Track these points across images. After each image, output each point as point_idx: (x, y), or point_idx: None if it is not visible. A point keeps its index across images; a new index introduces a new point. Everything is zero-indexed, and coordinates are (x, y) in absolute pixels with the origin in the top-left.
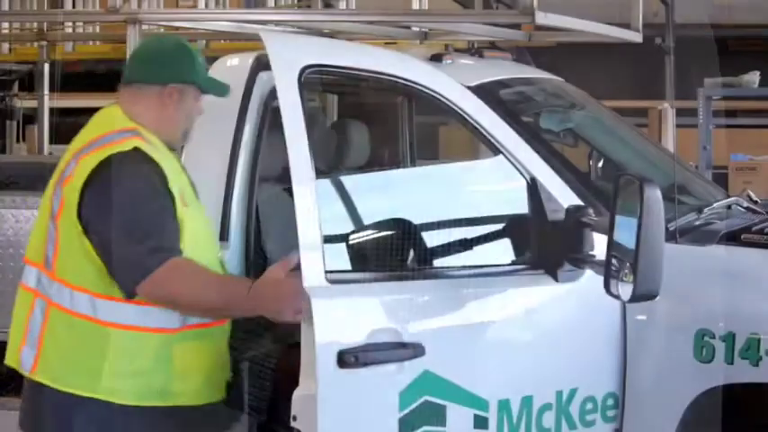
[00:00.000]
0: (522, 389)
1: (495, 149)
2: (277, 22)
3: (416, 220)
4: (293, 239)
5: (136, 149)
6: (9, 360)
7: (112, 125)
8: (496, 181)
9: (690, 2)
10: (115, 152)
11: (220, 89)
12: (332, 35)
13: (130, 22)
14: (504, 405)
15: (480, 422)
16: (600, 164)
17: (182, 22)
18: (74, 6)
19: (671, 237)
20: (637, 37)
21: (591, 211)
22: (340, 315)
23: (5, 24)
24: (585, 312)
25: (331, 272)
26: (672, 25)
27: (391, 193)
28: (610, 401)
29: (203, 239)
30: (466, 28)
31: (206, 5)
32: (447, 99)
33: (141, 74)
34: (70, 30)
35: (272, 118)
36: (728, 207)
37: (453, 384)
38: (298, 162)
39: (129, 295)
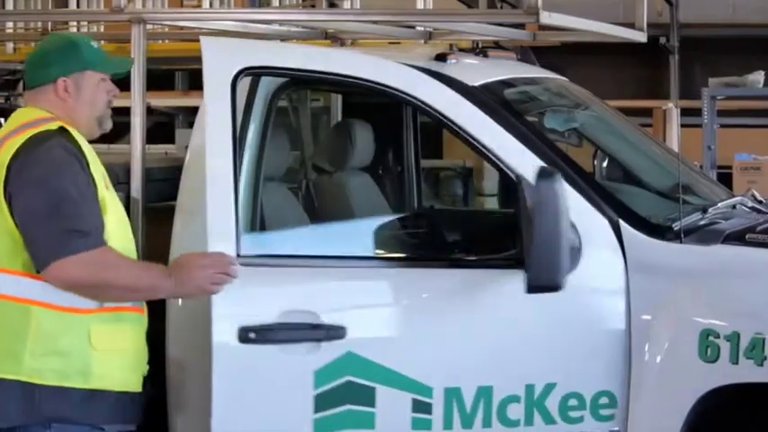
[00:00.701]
0: (479, 379)
1: (460, 137)
2: (281, 22)
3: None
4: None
5: (61, 128)
6: None
7: (34, 116)
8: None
9: (695, 1)
10: (42, 130)
11: (117, 66)
12: (335, 35)
13: (135, 21)
14: (453, 393)
15: (422, 407)
16: (605, 164)
17: (186, 22)
18: (78, 6)
19: (675, 236)
20: (641, 37)
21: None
22: (248, 294)
23: (10, 24)
24: (571, 310)
25: (247, 256)
26: (676, 25)
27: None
28: (603, 400)
29: (124, 223)
30: (470, 27)
31: (210, 5)
32: (401, 93)
33: (35, 78)
34: (75, 29)
35: (276, 117)
36: (733, 207)
37: (384, 367)
38: (214, 159)
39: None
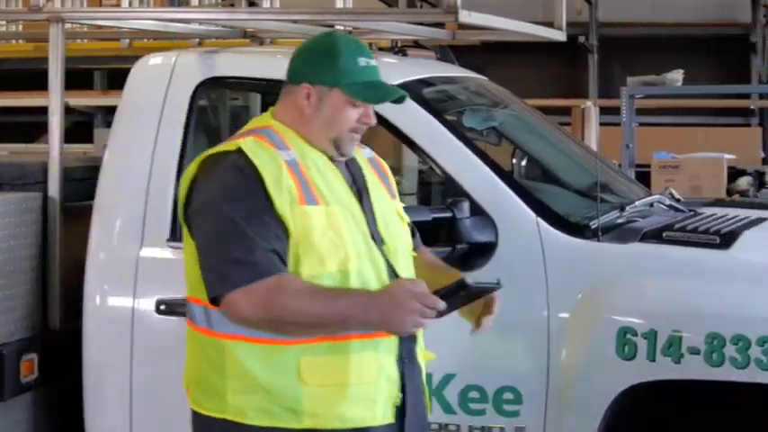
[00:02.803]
0: None
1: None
2: (201, 21)
3: None
4: None
5: (239, 150)
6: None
7: (251, 125)
8: None
9: (614, 0)
10: (217, 151)
11: (371, 95)
12: (255, 34)
13: (53, 20)
14: None
15: None
16: (523, 162)
17: (105, 21)
18: None
19: (593, 234)
20: (560, 36)
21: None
22: (168, 272)
23: None
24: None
25: (175, 239)
26: (595, 24)
27: None
28: (507, 395)
29: (349, 234)
30: (389, 26)
31: (130, 4)
32: None
33: (288, 72)
34: None
35: (197, 116)
36: (651, 205)
37: None
38: (161, 160)
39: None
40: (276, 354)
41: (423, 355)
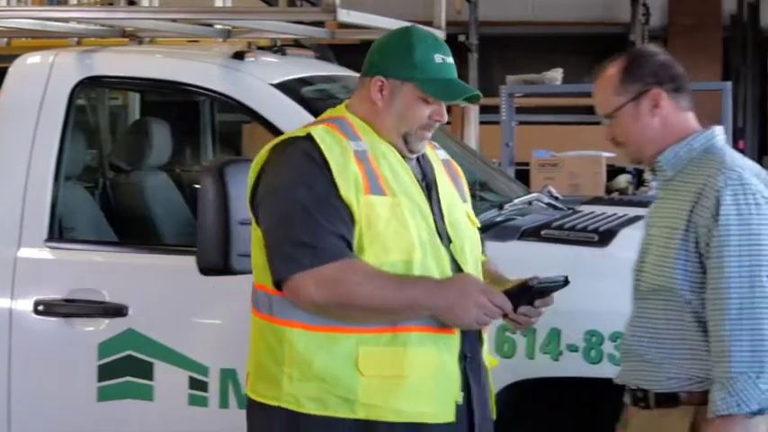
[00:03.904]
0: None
1: None
2: (79, 20)
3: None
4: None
5: (308, 136)
6: None
7: (324, 115)
8: None
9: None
10: (288, 137)
11: (443, 92)
12: (134, 33)
13: None
14: (229, 374)
15: (198, 385)
16: None
17: None
18: None
19: None
20: (440, 34)
21: None
22: (46, 272)
23: None
24: None
25: (53, 239)
26: (475, 23)
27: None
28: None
29: (414, 226)
30: (269, 25)
31: (8, 2)
32: (235, 100)
33: (364, 65)
34: None
35: (76, 116)
36: (530, 203)
37: (161, 345)
38: (39, 160)
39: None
40: (335, 343)
41: (488, 359)
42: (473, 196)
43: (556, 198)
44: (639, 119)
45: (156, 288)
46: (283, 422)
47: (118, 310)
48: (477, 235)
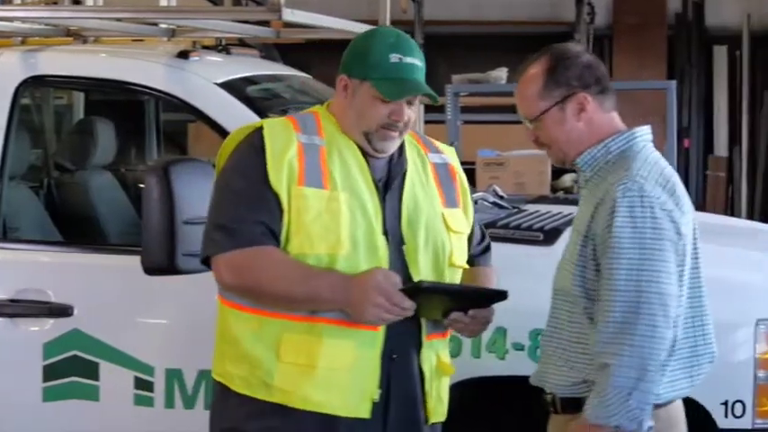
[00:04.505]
0: (199, 363)
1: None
2: (23, 19)
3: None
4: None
5: (258, 129)
6: None
7: (306, 110)
8: None
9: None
10: (245, 127)
11: (392, 91)
12: (78, 33)
13: None
14: (174, 374)
15: (144, 385)
16: None
17: None
18: None
19: None
20: None
21: None
22: None
23: None
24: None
25: None
26: (421, 22)
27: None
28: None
29: (349, 221)
30: (214, 25)
31: None
32: (180, 100)
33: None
34: None
35: (20, 115)
36: (475, 202)
37: (107, 345)
38: None
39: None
40: (262, 325)
41: (441, 365)
42: None
43: (501, 197)
44: (564, 122)
45: (102, 288)
46: (219, 396)
47: (63, 311)
48: (452, 240)
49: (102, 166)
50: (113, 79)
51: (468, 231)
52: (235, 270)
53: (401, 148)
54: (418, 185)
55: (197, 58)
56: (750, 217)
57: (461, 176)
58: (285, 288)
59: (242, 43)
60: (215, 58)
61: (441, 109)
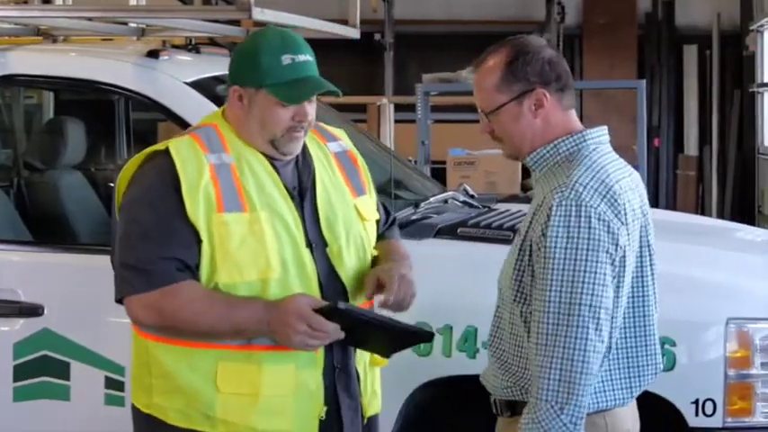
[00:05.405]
0: None
1: None
2: None
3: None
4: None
5: (165, 151)
6: None
7: (201, 121)
8: None
9: None
10: (150, 151)
11: (292, 95)
12: (48, 32)
13: None
14: None
15: (115, 384)
16: None
17: None
18: None
19: None
20: (354, 33)
21: None
22: None
23: None
24: None
25: None
26: (391, 21)
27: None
28: None
29: (274, 241)
30: (184, 24)
31: None
32: (150, 99)
33: (229, 71)
34: None
35: None
36: (445, 201)
37: (77, 345)
38: None
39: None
40: (195, 357)
41: (373, 359)
42: (389, 194)
43: (471, 196)
44: (521, 118)
45: (72, 287)
46: (148, 428)
47: (33, 310)
48: (368, 228)
49: (72, 165)
50: (83, 78)
51: (378, 215)
52: (152, 311)
53: (304, 147)
54: (328, 183)
55: (167, 57)
56: (720, 216)
57: (360, 159)
58: (208, 324)
59: (212, 42)
60: (185, 57)
61: (411, 108)
